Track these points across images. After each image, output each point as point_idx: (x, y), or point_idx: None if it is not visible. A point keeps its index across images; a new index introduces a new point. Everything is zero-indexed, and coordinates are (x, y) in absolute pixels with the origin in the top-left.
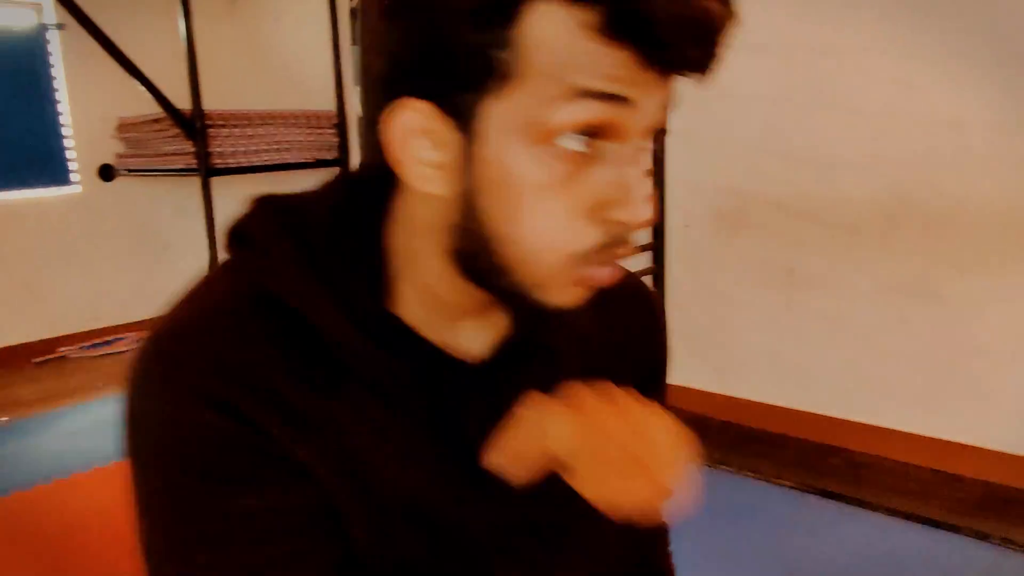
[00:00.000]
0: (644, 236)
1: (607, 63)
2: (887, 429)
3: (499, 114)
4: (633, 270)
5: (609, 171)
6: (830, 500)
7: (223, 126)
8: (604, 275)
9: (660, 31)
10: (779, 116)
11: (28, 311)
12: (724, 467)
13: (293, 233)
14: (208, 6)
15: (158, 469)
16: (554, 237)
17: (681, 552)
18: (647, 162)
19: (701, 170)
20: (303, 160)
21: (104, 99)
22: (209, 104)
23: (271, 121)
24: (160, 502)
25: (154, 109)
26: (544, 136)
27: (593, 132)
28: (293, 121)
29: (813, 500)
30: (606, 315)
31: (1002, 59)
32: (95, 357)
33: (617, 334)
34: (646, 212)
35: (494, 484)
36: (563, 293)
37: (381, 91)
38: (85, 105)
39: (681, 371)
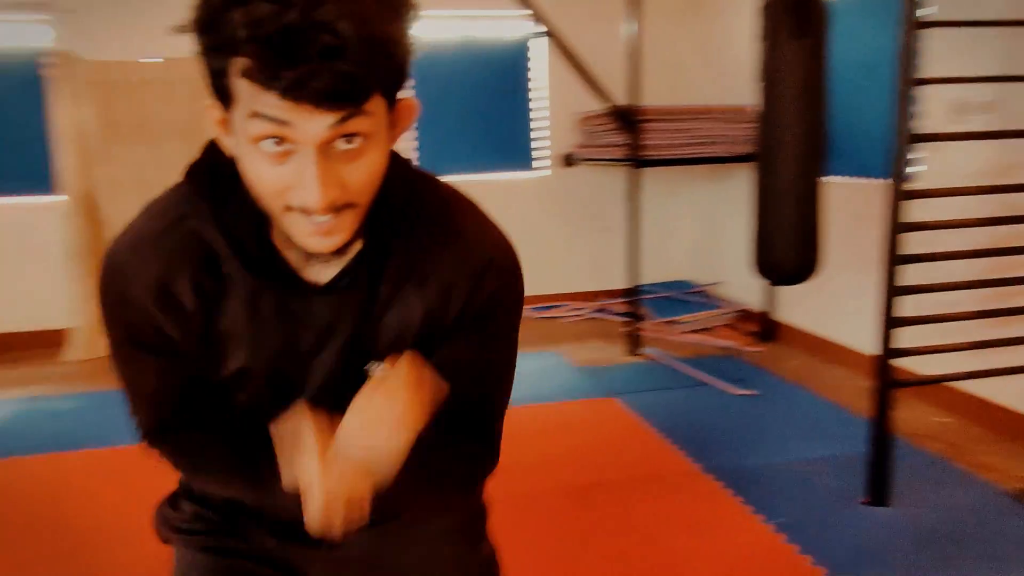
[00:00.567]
0: None
1: (264, 96)
2: None
3: (236, 122)
4: None
5: (291, 166)
6: None
7: (655, 120)
8: (323, 229)
9: (259, 74)
10: None
11: None
12: None
13: (212, 179)
14: (666, 5)
15: (108, 335)
16: (269, 203)
17: None
18: (319, 164)
19: None
20: (720, 154)
21: (572, 98)
22: (653, 99)
23: (697, 116)
24: (111, 346)
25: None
26: (252, 139)
27: (278, 140)
28: (719, 116)
29: None
30: (456, 267)
31: None
32: (537, 319)
33: (459, 282)
34: (312, 197)
35: (317, 360)
36: (309, 241)
37: None
38: (557, 102)
39: None
